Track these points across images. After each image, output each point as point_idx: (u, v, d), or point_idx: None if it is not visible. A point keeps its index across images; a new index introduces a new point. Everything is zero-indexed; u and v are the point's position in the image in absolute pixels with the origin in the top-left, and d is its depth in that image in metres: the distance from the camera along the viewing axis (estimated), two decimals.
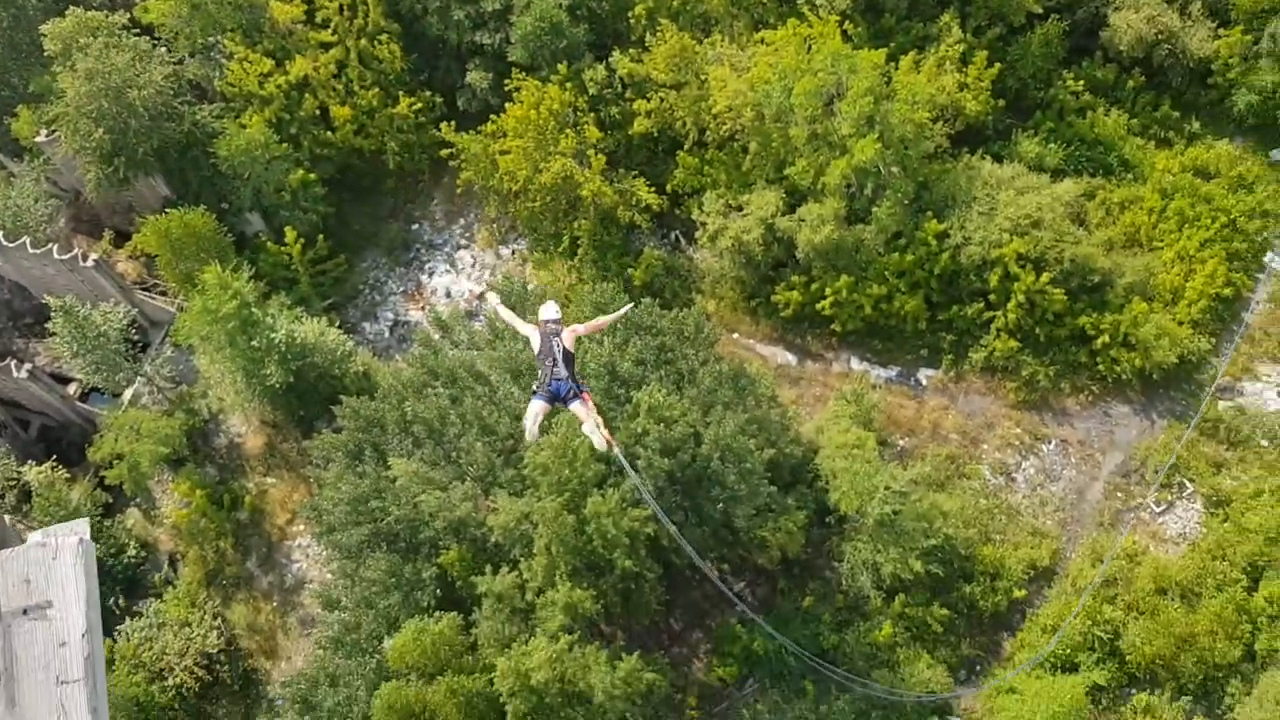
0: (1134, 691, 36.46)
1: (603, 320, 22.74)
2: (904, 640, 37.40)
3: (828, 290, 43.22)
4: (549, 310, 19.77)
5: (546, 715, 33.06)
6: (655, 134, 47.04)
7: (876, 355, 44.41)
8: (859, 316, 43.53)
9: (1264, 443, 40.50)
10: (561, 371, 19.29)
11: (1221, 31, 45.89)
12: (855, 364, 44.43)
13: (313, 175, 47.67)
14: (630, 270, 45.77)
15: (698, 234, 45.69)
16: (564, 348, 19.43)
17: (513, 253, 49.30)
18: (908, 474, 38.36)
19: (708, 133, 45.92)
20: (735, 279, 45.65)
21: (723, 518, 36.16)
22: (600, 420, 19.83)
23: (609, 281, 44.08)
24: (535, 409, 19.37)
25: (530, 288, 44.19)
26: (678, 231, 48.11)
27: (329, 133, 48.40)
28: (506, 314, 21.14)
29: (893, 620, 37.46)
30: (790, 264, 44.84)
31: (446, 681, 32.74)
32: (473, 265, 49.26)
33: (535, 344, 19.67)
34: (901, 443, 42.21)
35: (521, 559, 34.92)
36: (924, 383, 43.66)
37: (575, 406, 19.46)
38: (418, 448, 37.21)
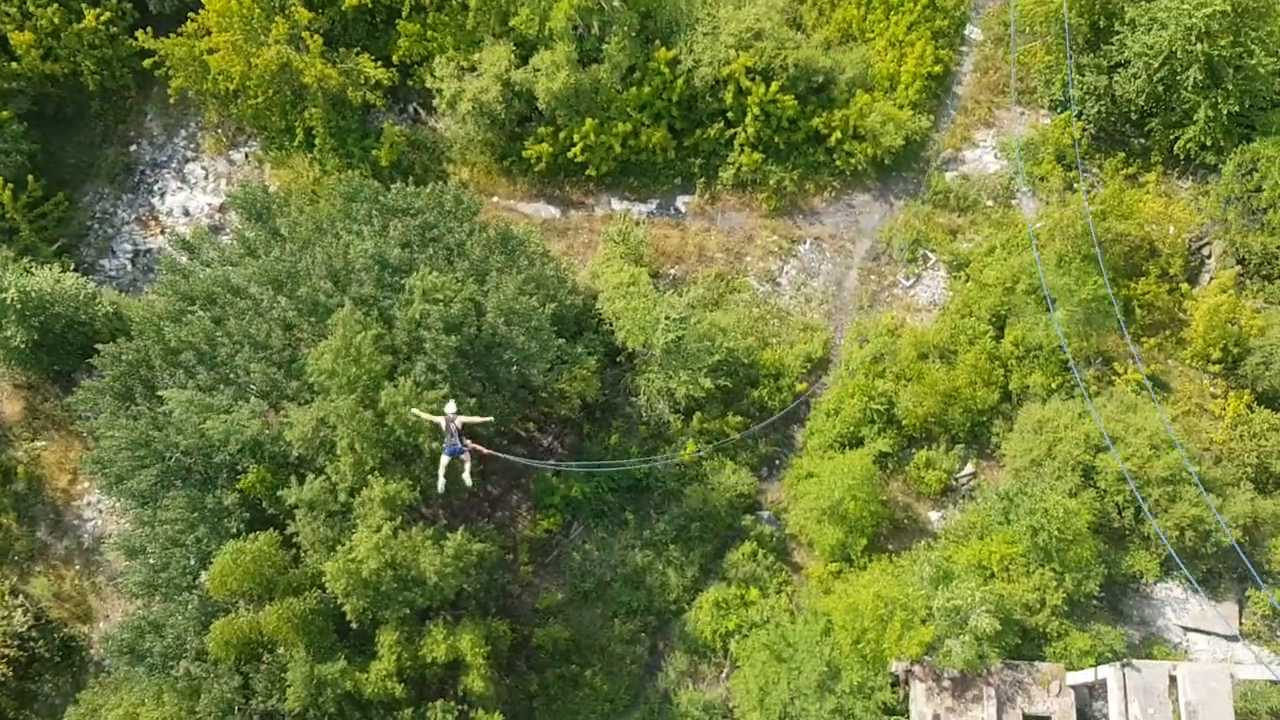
0: (914, 450, 39.41)
1: (475, 419, 32.70)
2: (708, 454, 38.96)
3: (575, 136, 42.63)
4: (450, 407, 31.86)
5: (386, 605, 32.87)
6: (370, 5, 44.15)
7: (634, 192, 44.44)
8: (610, 157, 43.28)
9: (989, 203, 43.35)
10: (456, 441, 32.04)
11: None
12: (616, 204, 44.40)
13: (5, 113, 42.74)
14: (374, 151, 43.68)
15: (435, 102, 43.86)
16: (457, 428, 31.86)
17: (246, 156, 45.97)
18: (684, 300, 39.21)
19: None
20: (483, 142, 44.29)
21: (519, 379, 36.07)
22: (478, 450, 33.23)
23: (354, 169, 42.04)
24: (443, 462, 32.55)
25: (272, 190, 41.58)
26: (415, 104, 46.01)
27: (13, 63, 43.13)
28: (425, 415, 31.97)
29: (694, 438, 38.87)
30: (535, 117, 43.82)
31: (276, 608, 31.88)
32: (206, 177, 45.74)
33: (442, 425, 31.82)
34: (672, 271, 42.89)
35: (328, 464, 33.97)
36: (683, 210, 44.18)
37: (464, 457, 32.39)
38: (191, 376, 35.04)
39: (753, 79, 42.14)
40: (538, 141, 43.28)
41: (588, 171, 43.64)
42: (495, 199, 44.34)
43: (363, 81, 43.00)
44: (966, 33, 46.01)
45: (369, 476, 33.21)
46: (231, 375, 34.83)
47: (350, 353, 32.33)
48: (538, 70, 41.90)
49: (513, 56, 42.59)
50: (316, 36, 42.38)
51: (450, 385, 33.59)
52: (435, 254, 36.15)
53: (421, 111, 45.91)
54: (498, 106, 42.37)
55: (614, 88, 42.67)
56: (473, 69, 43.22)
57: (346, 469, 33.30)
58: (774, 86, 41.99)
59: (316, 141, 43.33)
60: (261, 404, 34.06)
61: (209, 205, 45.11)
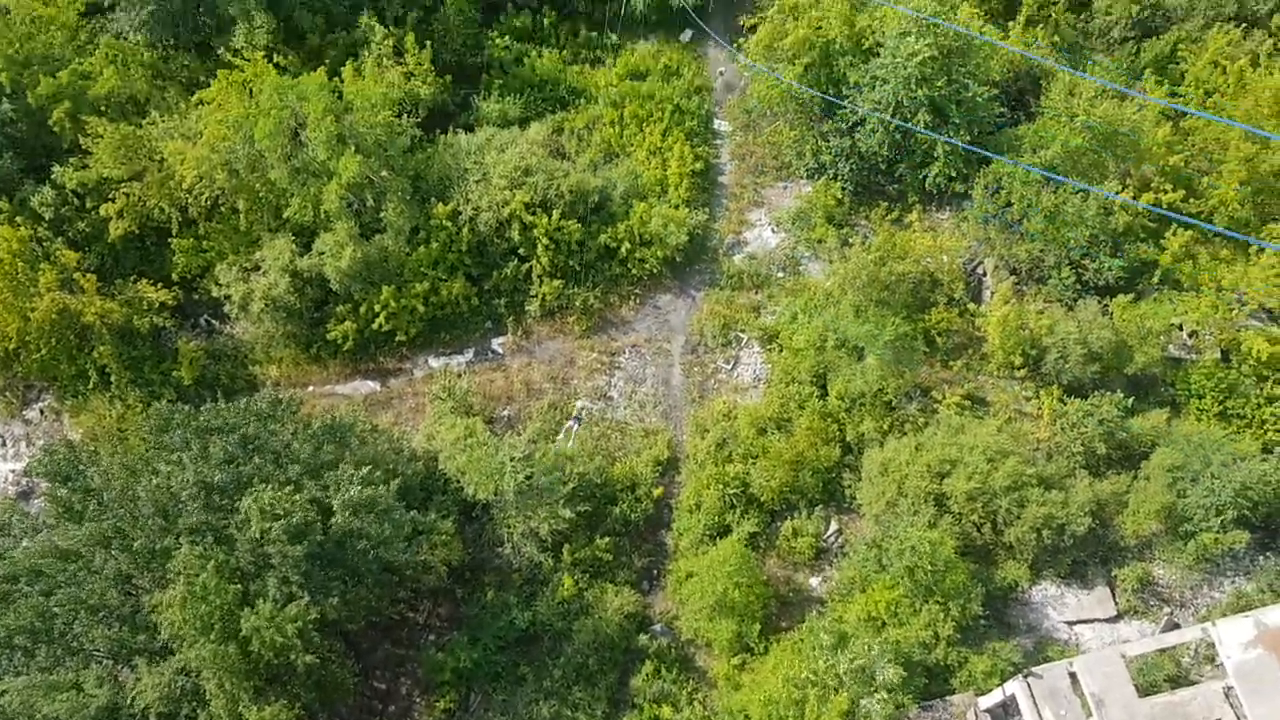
0: (779, 524, 38.75)
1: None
2: (586, 583, 37.20)
3: (376, 307, 41.09)
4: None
5: None
6: (138, 231, 41.81)
7: (448, 346, 42.96)
8: (416, 319, 41.83)
9: (780, 274, 43.94)
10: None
11: None
12: (433, 362, 42.78)
13: None
14: (175, 373, 40.85)
15: (227, 308, 41.56)
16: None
17: (42, 411, 42.15)
18: (524, 438, 37.83)
19: (190, 210, 41.46)
20: (285, 335, 42.13)
21: (379, 564, 33.63)
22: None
23: (158, 397, 39.10)
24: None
25: (76, 439, 38.12)
26: (206, 315, 43.40)
27: None
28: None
29: (568, 571, 37.09)
30: (331, 298, 42.05)
31: None
32: (3, 444, 41.66)
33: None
34: (505, 413, 41.40)
35: (199, 710, 30.60)
36: (500, 351, 42.94)
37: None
38: (30, 657, 31.23)
39: (534, 212, 41.78)
40: (340, 321, 41.47)
41: (397, 338, 42.01)
42: (311, 388, 42.03)
43: (146, 307, 40.40)
44: (716, 127, 47.14)
45: (242, 711, 30.05)
46: (74, 644, 31.19)
47: (197, 593, 29.38)
48: (323, 253, 40.37)
49: (294, 246, 40.98)
50: (89, 275, 39.76)
51: (308, 593, 30.98)
52: (263, 462, 33.55)
53: (214, 321, 43.35)
54: (290, 298, 40.48)
55: (402, 251, 41.51)
56: (257, 268, 41.29)
57: (220, 710, 30.09)
58: (555, 215, 41.75)
59: (112, 379, 40.17)
60: (108, 667, 30.53)
61: (12, 473, 40.98)
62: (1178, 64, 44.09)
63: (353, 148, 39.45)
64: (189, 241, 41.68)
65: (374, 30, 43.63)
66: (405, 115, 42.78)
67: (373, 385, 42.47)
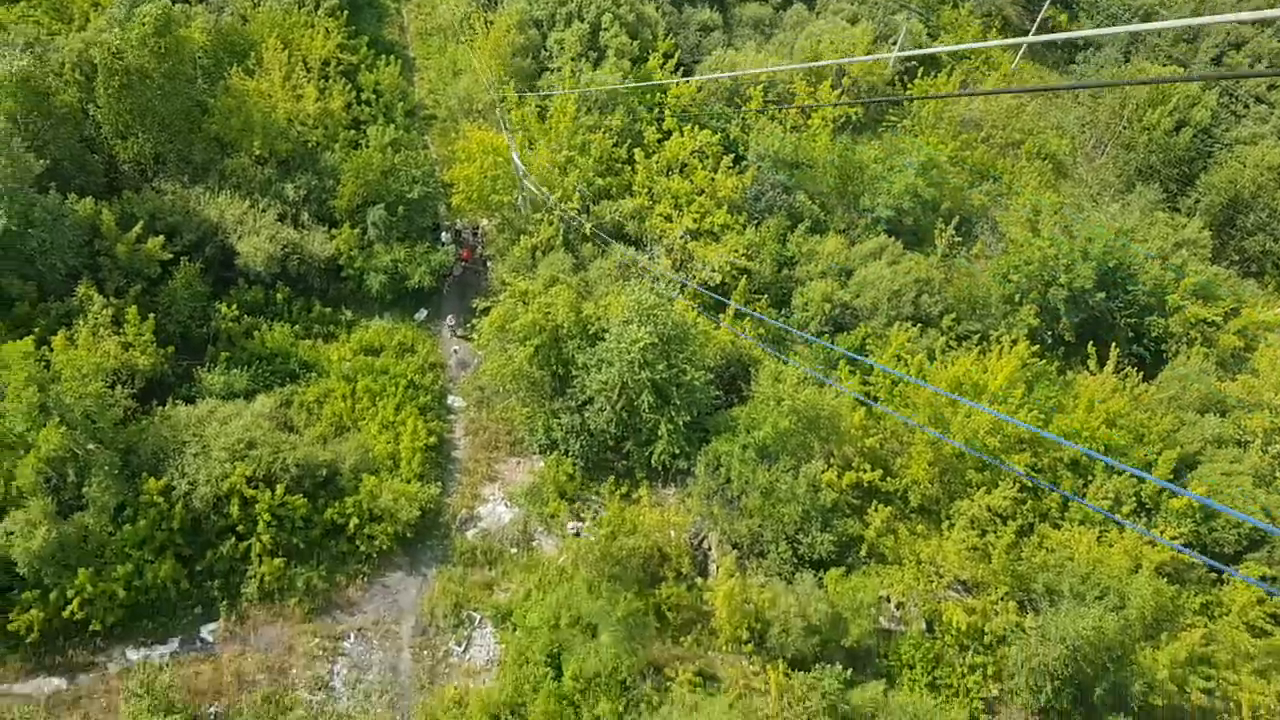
0: None
1: None
2: None
3: (69, 593, 39.60)
4: None
5: None
6: None
7: (151, 634, 41.49)
8: (115, 605, 40.49)
9: (513, 550, 46.41)
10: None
11: (334, 231, 51.97)
12: (132, 654, 41.06)
13: None
14: None
15: None
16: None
17: None
18: None
19: None
20: None
21: None
22: None
23: None
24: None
25: None
26: None
27: None
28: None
29: None
30: (17, 583, 40.15)
31: None
32: None
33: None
34: (213, 710, 40.09)
35: None
36: (210, 639, 41.98)
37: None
38: None
39: (256, 487, 42.56)
40: (24, 610, 39.50)
41: (91, 626, 40.37)
42: None
43: None
44: (449, 402, 50.47)
45: None
46: None
47: None
48: (11, 533, 38.98)
49: None
50: None
51: None
52: None
53: None
54: None
55: (105, 531, 40.72)
56: None
57: None
58: (280, 490, 42.67)
59: None
60: None
61: None
62: (866, 356, 52.42)
63: (57, 419, 39.40)
64: None
65: (91, 300, 44.58)
66: (119, 385, 43.28)
67: (58, 683, 40.07)
